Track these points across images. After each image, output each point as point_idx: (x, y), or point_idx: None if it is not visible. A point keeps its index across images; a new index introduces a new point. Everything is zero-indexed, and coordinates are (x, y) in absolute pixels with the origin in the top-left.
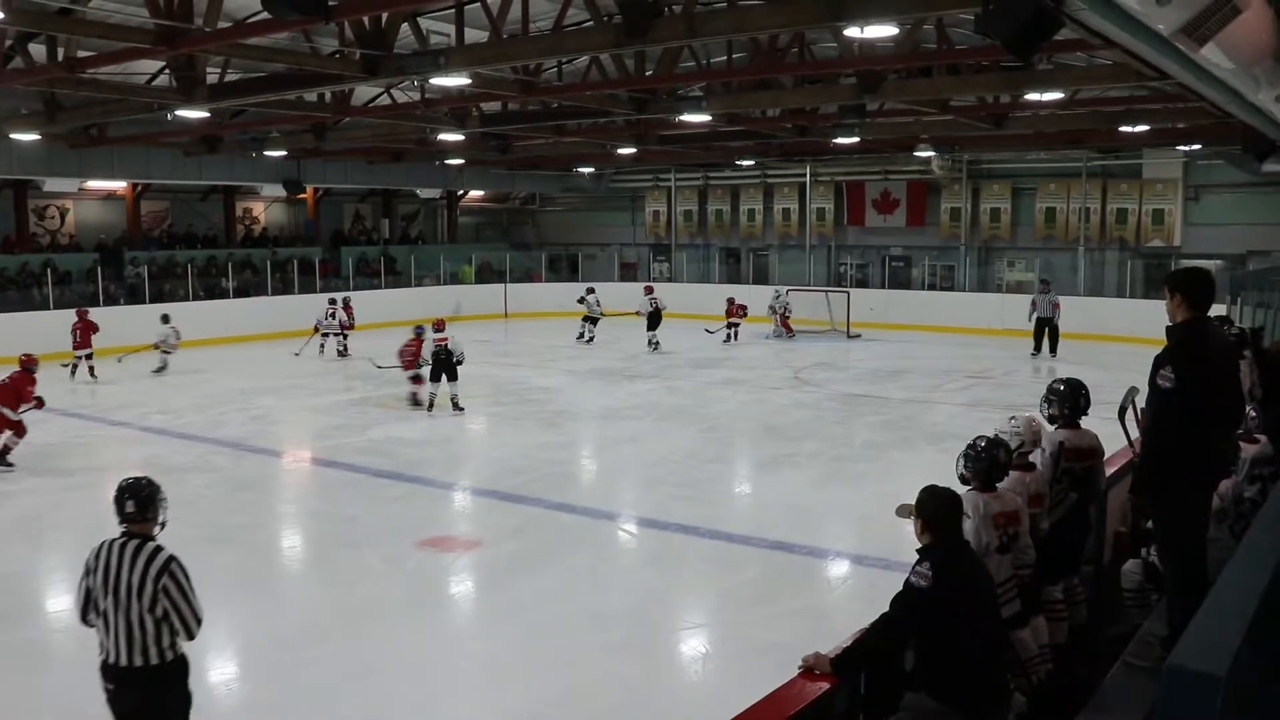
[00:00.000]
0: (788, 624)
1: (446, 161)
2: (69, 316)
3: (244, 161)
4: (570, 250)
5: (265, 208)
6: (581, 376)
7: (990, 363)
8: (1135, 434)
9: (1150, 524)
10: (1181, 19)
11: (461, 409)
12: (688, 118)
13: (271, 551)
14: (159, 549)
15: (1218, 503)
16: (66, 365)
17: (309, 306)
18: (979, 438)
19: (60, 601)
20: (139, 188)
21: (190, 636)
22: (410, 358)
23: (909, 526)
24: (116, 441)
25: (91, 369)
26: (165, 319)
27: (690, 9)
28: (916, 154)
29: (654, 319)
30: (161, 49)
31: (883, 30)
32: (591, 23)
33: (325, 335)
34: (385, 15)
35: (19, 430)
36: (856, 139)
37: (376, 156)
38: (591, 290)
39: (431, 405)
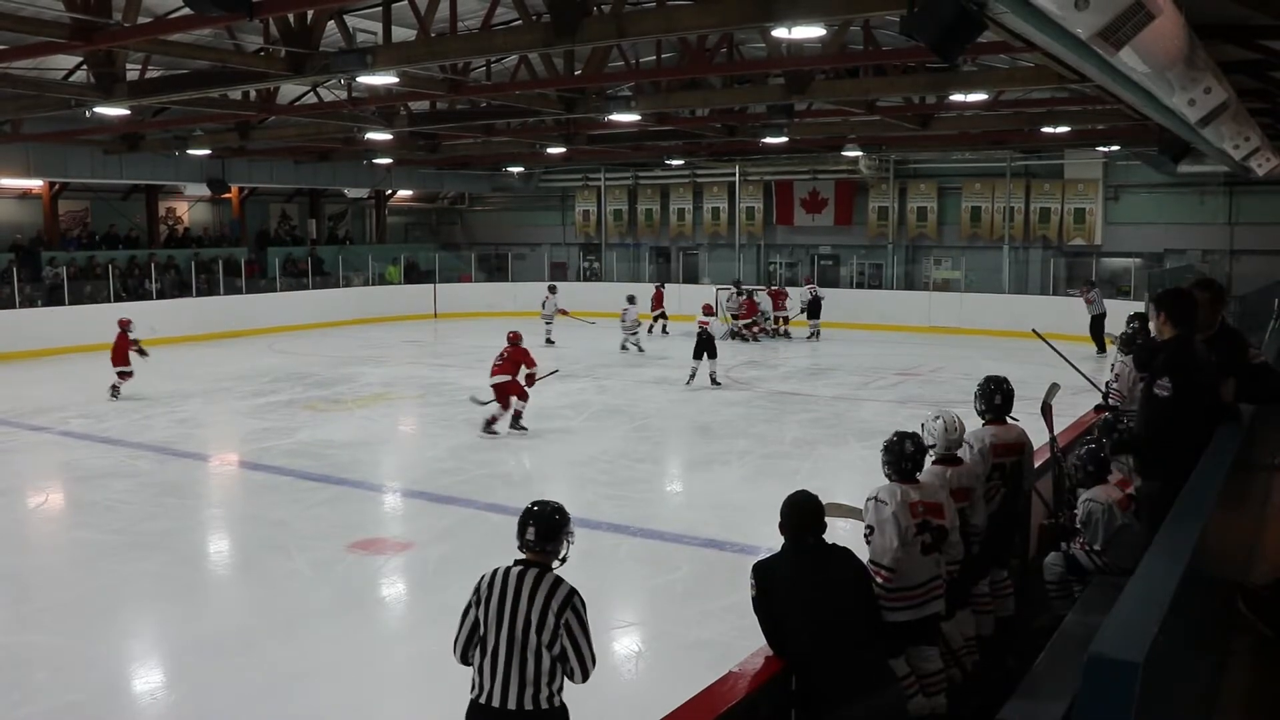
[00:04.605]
0: (719, 622)
1: (374, 161)
2: None
3: (167, 160)
4: (500, 250)
5: (189, 207)
6: None
7: (918, 360)
8: (1056, 429)
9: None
10: (1098, 23)
11: (720, 383)
12: (617, 117)
13: (197, 557)
14: (560, 580)
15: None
16: None
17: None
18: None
19: None
20: (56, 186)
21: (584, 678)
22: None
23: (839, 525)
24: (34, 446)
25: None
26: (552, 289)
27: (619, 8)
28: (844, 154)
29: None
30: (78, 44)
31: (810, 31)
32: (520, 21)
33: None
34: (311, 12)
35: None
36: (785, 139)
37: (303, 156)
38: (737, 284)
39: (692, 378)
